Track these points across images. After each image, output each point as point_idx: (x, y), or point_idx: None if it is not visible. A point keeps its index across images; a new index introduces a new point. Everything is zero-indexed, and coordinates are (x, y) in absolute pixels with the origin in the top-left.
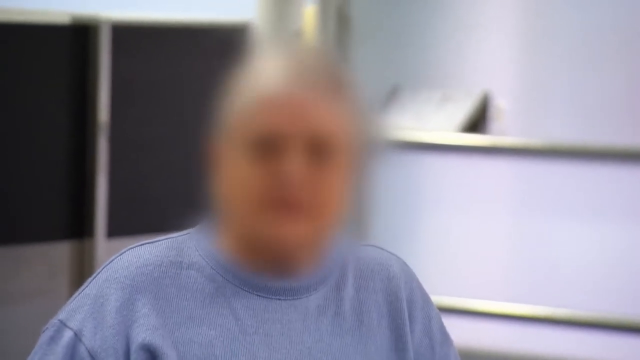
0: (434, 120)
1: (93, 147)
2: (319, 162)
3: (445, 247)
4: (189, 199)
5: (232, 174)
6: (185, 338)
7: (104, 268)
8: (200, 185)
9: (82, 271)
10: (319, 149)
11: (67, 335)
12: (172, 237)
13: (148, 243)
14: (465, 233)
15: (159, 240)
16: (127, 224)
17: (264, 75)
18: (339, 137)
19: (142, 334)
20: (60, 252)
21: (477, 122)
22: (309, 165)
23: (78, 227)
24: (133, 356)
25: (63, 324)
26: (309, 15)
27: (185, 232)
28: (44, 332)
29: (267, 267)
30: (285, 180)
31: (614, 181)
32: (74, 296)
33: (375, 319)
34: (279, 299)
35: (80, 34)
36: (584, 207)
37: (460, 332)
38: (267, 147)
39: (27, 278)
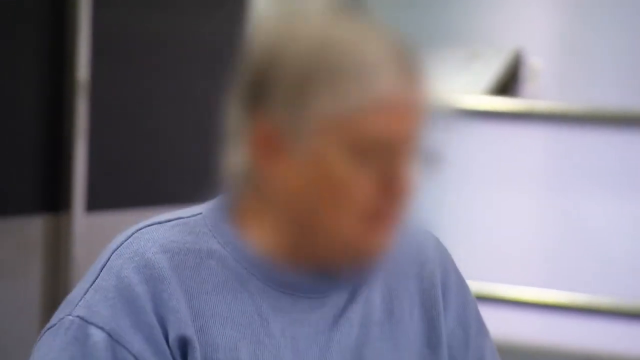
0: (459, 81)
1: (71, 109)
2: (413, 163)
3: (471, 225)
4: (180, 169)
5: (322, 176)
6: (210, 339)
7: (113, 254)
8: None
9: (57, 249)
10: (414, 149)
11: (98, 335)
12: (183, 218)
13: (158, 223)
14: (494, 210)
15: (170, 221)
16: (109, 197)
17: (365, 65)
18: (423, 130)
19: (175, 330)
20: (33, 227)
21: (508, 84)
22: (411, 169)
23: (53, 200)
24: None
25: (85, 322)
26: None
27: (195, 211)
28: (52, 330)
29: (314, 270)
30: (397, 191)
31: None
32: (80, 290)
33: (407, 309)
34: (309, 297)
35: None
36: (628, 181)
37: (489, 322)
38: (374, 152)
39: None
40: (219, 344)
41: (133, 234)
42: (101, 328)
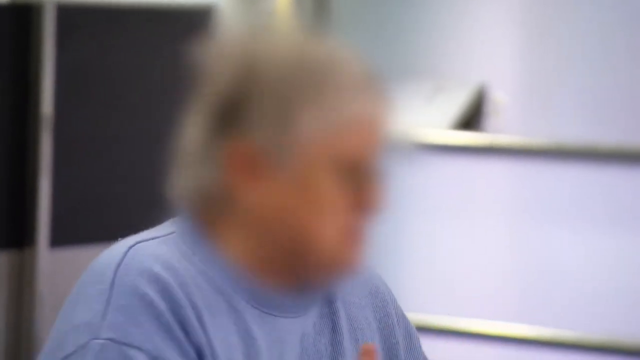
0: (423, 115)
1: (35, 144)
2: None
3: (434, 258)
4: (143, 204)
5: (306, 195)
6: (217, 355)
7: (118, 271)
8: (163, 185)
9: (20, 285)
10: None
11: (138, 357)
12: (160, 237)
13: (145, 240)
14: (457, 243)
15: (155, 238)
16: (73, 232)
17: (344, 84)
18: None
19: (195, 341)
20: None
21: (471, 118)
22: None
23: (17, 235)
24: None
25: (121, 344)
26: None
27: (165, 231)
28: (72, 357)
29: (293, 287)
30: (375, 209)
31: (624, 184)
32: (89, 309)
33: (368, 337)
34: (285, 317)
35: (21, 15)
36: (590, 213)
37: (451, 355)
38: (355, 171)
39: None
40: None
41: (129, 250)
42: (138, 348)
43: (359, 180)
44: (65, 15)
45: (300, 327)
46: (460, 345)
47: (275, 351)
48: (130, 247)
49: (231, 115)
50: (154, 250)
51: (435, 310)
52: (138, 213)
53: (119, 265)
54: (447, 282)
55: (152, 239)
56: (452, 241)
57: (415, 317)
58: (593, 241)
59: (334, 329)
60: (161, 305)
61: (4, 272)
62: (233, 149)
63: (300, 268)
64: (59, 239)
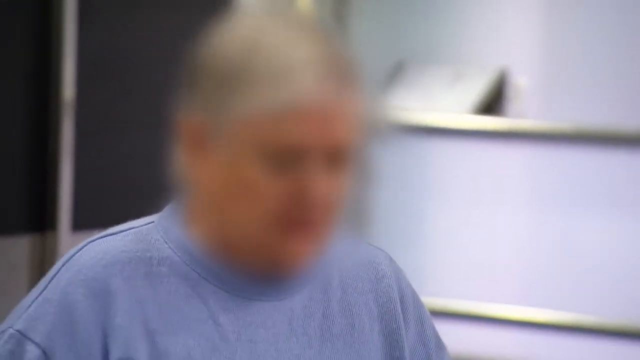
0: (444, 100)
1: (57, 129)
2: (336, 172)
3: (454, 243)
4: (163, 188)
5: (234, 177)
6: (162, 349)
7: (63, 266)
8: (166, 166)
9: (43, 269)
10: (337, 158)
11: (33, 352)
12: (136, 228)
13: (110, 235)
14: (477, 228)
15: (122, 231)
16: (94, 216)
17: (284, 70)
18: (355, 140)
19: (118, 350)
20: (19, 247)
21: (492, 103)
22: (330, 180)
23: (39, 220)
24: None
25: (23, 336)
26: None
27: (148, 220)
28: None
29: (254, 272)
30: (309, 199)
31: None
32: (28, 300)
33: (366, 322)
34: (261, 300)
35: (42, 0)
36: (613, 198)
37: (470, 340)
38: (288, 158)
39: None
40: (172, 353)
41: (85, 246)
42: (37, 344)
43: (297, 169)
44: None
45: (287, 309)
46: (482, 330)
47: (244, 335)
48: (89, 242)
49: (188, 92)
50: (109, 246)
51: (457, 295)
52: (159, 196)
53: (69, 259)
54: (466, 267)
55: (122, 231)
56: (474, 226)
57: (438, 301)
58: (616, 226)
59: (325, 314)
60: (84, 305)
61: (26, 256)
62: (185, 125)
63: (235, 251)
64: (81, 222)
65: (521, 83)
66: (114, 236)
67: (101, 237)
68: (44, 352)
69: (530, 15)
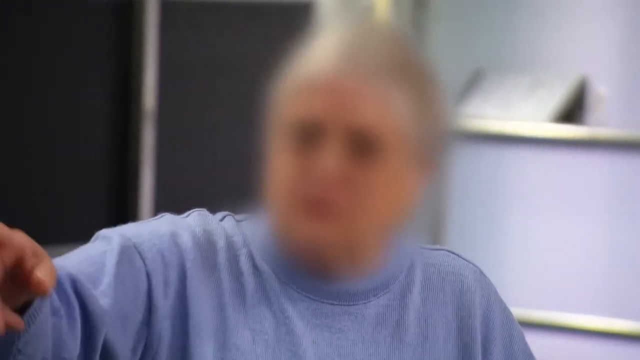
0: (523, 108)
1: (138, 137)
2: (364, 158)
3: (531, 253)
4: (242, 193)
5: (273, 165)
6: (226, 338)
7: (195, 211)
8: (253, 176)
9: None
10: (364, 144)
11: (140, 263)
12: (233, 217)
13: (237, 216)
14: (555, 238)
15: (245, 219)
16: None
17: (313, 56)
18: (392, 132)
19: (193, 312)
20: None
21: (572, 112)
22: (351, 161)
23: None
24: (162, 322)
25: (136, 249)
26: None
27: (245, 215)
28: (100, 240)
29: (305, 266)
30: (319, 177)
31: None
32: (148, 220)
33: (441, 335)
34: (332, 304)
35: (124, 11)
36: None
37: (548, 351)
38: (306, 137)
39: None
40: (235, 345)
41: (215, 213)
42: (144, 260)
43: (312, 145)
44: (167, 10)
45: (359, 315)
46: (560, 340)
47: (310, 336)
48: (217, 213)
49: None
50: (225, 223)
51: (535, 305)
52: (238, 204)
53: (195, 210)
54: (544, 277)
55: (240, 218)
56: (553, 235)
57: (515, 311)
58: None
59: (399, 321)
60: (183, 245)
61: None
62: (260, 135)
63: (284, 243)
64: None
65: (601, 91)
66: (233, 217)
67: (226, 215)
68: (147, 273)
69: (611, 23)
